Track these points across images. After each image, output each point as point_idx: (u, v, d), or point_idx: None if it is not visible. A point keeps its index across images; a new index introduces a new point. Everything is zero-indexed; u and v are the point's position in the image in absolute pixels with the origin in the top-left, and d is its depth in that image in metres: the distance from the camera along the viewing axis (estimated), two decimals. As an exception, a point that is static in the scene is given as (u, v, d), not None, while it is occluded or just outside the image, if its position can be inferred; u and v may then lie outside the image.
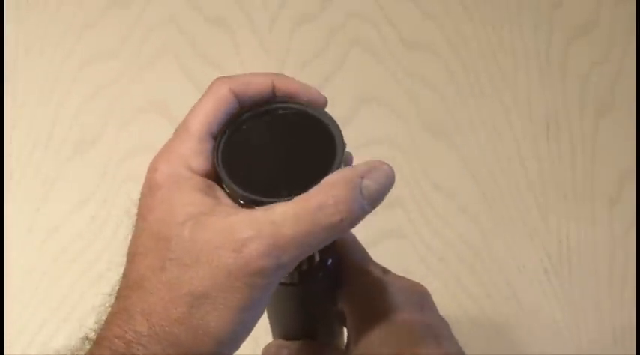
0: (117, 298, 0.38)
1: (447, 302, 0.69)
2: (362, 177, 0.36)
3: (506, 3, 0.86)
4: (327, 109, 0.40)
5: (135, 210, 0.38)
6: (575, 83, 0.81)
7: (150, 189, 0.37)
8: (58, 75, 0.81)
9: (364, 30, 0.85)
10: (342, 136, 0.38)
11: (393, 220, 0.74)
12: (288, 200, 0.35)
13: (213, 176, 0.37)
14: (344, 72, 0.82)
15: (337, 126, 0.38)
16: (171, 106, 0.80)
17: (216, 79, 0.40)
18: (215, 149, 0.37)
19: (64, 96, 0.81)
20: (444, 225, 0.74)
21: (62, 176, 0.76)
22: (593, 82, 0.81)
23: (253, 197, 0.36)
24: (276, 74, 0.40)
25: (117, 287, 0.39)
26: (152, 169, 0.37)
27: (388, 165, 0.37)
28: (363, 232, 0.73)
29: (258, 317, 0.36)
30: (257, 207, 0.35)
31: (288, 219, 0.34)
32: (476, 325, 0.68)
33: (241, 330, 0.35)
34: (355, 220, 0.36)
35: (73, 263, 0.73)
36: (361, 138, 0.76)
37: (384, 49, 0.84)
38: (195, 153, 0.37)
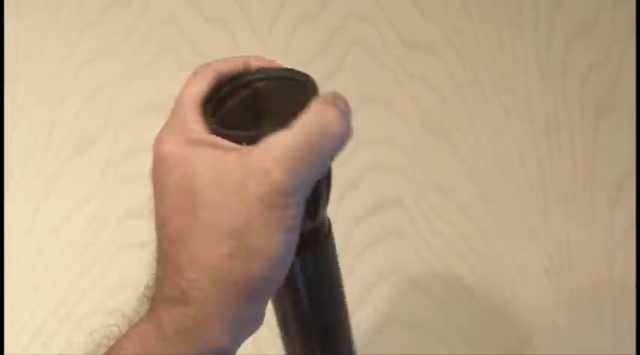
0: (158, 262, 0.40)
1: (447, 302, 0.69)
2: (335, 98, 0.40)
3: (507, 3, 0.86)
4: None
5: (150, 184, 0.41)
6: (575, 83, 0.81)
7: (160, 160, 0.40)
8: (58, 75, 0.81)
9: (364, 30, 0.85)
10: (313, 82, 0.41)
11: (393, 220, 0.74)
12: (286, 129, 0.38)
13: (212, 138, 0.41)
14: (344, 72, 0.82)
15: (307, 77, 0.42)
16: (171, 106, 0.80)
17: (198, 66, 0.44)
18: (207, 110, 0.41)
19: (64, 96, 0.81)
20: (444, 225, 0.74)
21: (62, 176, 0.76)
22: (593, 82, 0.81)
23: (252, 133, 0.39)
24: (250, 56, 0.44)
25: (154, 258, 0.41)
26: (157, 142, 0.41)
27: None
28: (363, 232, 0.73)
29: (297, 239, 0.39)
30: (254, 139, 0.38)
31: (294, 142, 0.37)
32: (476, 325, 0.68)
33: (288, 251, 0.39)
34: (349, 129, 0.39)
35: (73, 263, 0.73)
36: (362, 138, 0.76)
37: (384, 49, 0.84)
38: (191, 121, 0.41)
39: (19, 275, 0.72)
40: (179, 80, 0.88)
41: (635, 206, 0.74)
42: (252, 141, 0.38)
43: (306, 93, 0.41)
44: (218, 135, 0.40)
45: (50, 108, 0.80)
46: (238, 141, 0.39)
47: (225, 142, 0.39)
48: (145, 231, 0.80)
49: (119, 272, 0.72)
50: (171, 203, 0.39)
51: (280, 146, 0.37)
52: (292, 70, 0.43)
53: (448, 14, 0.86)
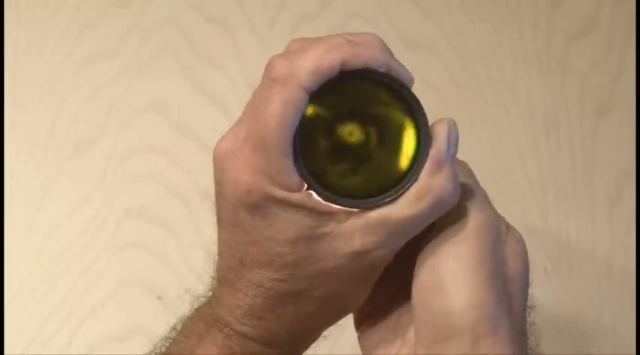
0: (222, 296, 0.39)
1: (447, 302, 0.69)
2: (448, 151, 0.39)
3: (506, 2, 0.86)
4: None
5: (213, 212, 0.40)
6: (575, 82, 0.81)
7: (247, 208, 0.37)
8: (58, 75, 0.81)
9: (364, 30, 0.85)
10: (422, 108, 0.39)
11: (393, 220, 0.73)
12: (390, 200, 0.36)
13: (302, 186, 0.37)
14: (344, 72, 0.82)
15: (416, 99, 0.39)
16: (171, 106, 0.80)
17: (279, 64, 0.36)
18: (298, 162, 0.36)
19: (64, 96, 0.81)
20: (444, 225, 0.73)
21: (62, 176, 0.76)
22: (593, 81, 0.81)
23: (355, 203, 0.36)
24: (345, 44, 0.38)
25: (213, 287, 0.41)
26: (243, 190, 0.36)
27: (449, 119, 0.41)
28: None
29: None
30: (361, 210, 0.36)
31: (402, 226, 0.36)
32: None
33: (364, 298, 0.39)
34: (457, 192, 0.38)
35: (73, 263, 0.73)
36: (361, 137, 0.76)
37: (384, 48, 0.84)
38: (281, 171, 0.36)
39: (19, 275, 0.72)
40: (179, 80, 0.88)
41: (635, 205, 0.74)
42: (354, 208, 0.36)
43: (410, 122, 0.38)
44: (314, 190, 0.36)
45: (50, 108, 0.80)
46: (333, 203, 0.36)
47: (315, 201, 0.36)
48: (145, 231, 0.80)
49: (119, 272, 0.72)
50: (255, 256, 0.37)
51: (386, 228, 0.36)
52: (406, 86, 0.38)
53: (448, 14, 0.86)
